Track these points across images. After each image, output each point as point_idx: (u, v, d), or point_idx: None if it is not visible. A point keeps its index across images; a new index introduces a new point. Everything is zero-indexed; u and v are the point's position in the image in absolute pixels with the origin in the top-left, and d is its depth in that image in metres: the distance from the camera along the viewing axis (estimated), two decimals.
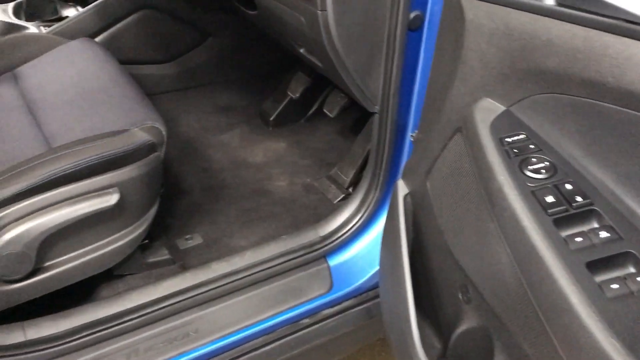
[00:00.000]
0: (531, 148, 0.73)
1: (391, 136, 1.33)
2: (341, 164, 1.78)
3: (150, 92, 1.71)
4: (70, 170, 1.15)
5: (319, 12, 1.16)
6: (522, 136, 0.75)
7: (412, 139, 1.34)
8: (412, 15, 1.20)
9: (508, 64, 0.76)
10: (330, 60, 1.25)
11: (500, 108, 0.79)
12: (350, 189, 1.73)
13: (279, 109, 2.02)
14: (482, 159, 0.76)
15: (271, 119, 2.02)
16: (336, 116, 1.88)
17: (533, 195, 0.69)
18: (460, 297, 0.99)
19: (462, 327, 1.01)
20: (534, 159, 0.72)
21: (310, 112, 2.06)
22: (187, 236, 1.55)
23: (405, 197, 1.08)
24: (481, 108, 0.80)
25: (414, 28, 1.22)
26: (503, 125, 0.77)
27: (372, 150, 1.39)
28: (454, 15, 0.88)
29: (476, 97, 0.82)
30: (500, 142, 0.75)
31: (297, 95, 1.95)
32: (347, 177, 1.73)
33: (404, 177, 1.10)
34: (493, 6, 0.79)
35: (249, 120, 2.06)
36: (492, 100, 0.80)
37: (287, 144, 1.97)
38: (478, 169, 0.77)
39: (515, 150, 0.73)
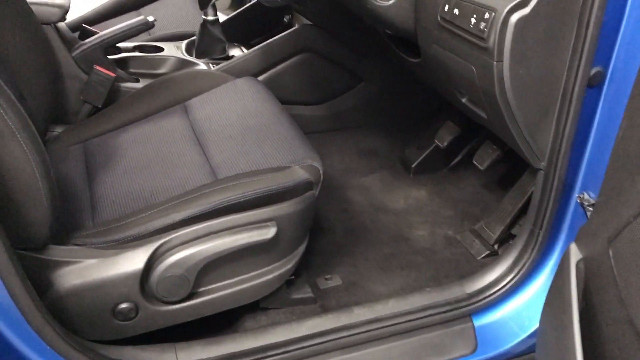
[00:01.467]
0: None
1: (556, 195, 1.25)
2: (488, 219, 1.70)
3: None
4: (236, 202, 1.19)
5: (495, 62, 1.13)
6: None
7: (578, 200, 1.26)
8: (593, 71, 1.14)
9: None
10: (498, 112, 1.21)
11: None
12: (496, 246, 1.65)
13: (422, 157, 1.99)
14: None
15: (413, 165, 1.99)
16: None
17: None
18: None
19: None
20: None
21: (454, 161, 2.01)
22: (327, 276, 1.55)
23: (578, 261, 1.00)
24: None
25: (594, 84, 1.15)
26: None
27: (531, 209, 1.32)
28: None
29: None
30: None
31: (445, 144, 1.92)
32: (494, 234, 1.66)
33: (578, 241, 1.02)
34: None
35: (390, 166, 2.05)
36: None
37: (428, 192, 1.93)
38: None
39: None
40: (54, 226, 1.11)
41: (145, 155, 1.41)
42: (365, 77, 2.10)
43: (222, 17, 2.10)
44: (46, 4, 1.61)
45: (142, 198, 1.26)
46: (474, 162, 1.78)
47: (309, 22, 2.01)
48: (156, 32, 2.15)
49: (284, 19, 2.23)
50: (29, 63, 1.43)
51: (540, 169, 1.26)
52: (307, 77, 2.04)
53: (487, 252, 1.64)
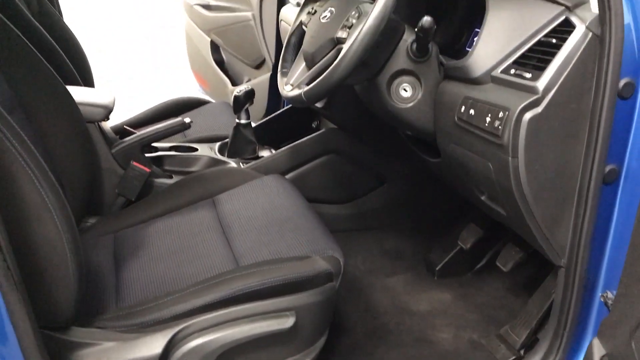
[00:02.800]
0: None
1: (579, 293, 1.23)
2: (513, 323, 1.66)
3: None
4: (255, 289, 1.21)
5: (510, 158, 1.17)
6: None
7: (602, 299, 1.24)
8: (607, 168, 1.16)
9: None
10: (516, 208, 1.23)
11: None
12: (522, 352, 1.60)
13: (446, 259, 1.99)
14: None
15: (437, 268, 1.99)
16: (508, 272, 1.81)
17: None
18: None
19: None
20: None
21: (480, 265, 2.00)
22: None
23: (602, 358, 0.97)
24: None
25: (609, 182, 1.18)
26: None
27: (555, 308, 1.30)
28: None
29: None
30: None
31: (468, 246, 1.92)
32: (519, 338, 1.61)
33: (601, 336, 1.00)
34: None
35: (414, 267, 2.05)
36: None
37: (452, 295, 1.91)
38: None
39: None
40: (78, 307, 1.13)
41: (172, 244, 1.45)
42: (389, 178, 2.16)
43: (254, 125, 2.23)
44: (92, 104, 1.74)
45: (165, 284, 1.28)
46: (498, 264, 1.77)
47: (334, 126, 2.12)
48: (191, 134, 2.27)
49: (313, 125, 2.35)
50: (71, 156, 1.52)
51: (561, 266, 1.25)
52: (332, 177, 2.11)
53: (513, 357, 1.59)
